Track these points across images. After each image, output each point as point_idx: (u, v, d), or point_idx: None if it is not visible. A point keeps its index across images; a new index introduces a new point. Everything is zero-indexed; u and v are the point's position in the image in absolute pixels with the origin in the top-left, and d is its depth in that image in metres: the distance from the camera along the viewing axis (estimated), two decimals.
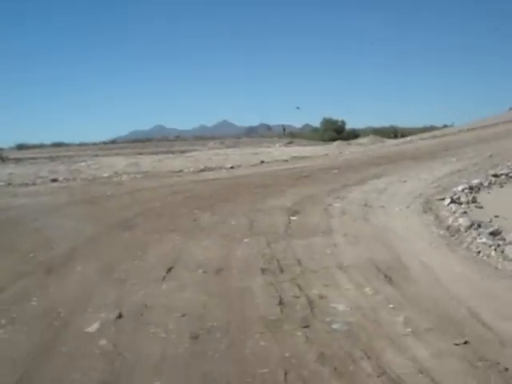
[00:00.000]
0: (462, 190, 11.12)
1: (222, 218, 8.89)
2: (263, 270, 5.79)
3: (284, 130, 62.26)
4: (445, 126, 77.93)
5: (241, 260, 6.26)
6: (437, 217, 8.56)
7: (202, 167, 18.20)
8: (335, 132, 57.38)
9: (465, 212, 8.59)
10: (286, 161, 20.36)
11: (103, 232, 8.08)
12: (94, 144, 56.00)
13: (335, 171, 15.40)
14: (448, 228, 7.69)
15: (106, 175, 16.81)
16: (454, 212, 8.69)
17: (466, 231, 7.39)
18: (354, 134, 59.61)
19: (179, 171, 17.23)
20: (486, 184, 11.88)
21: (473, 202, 9.93)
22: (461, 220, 7.74)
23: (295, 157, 21.41)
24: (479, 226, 7.57)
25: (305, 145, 34.39)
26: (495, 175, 12.78)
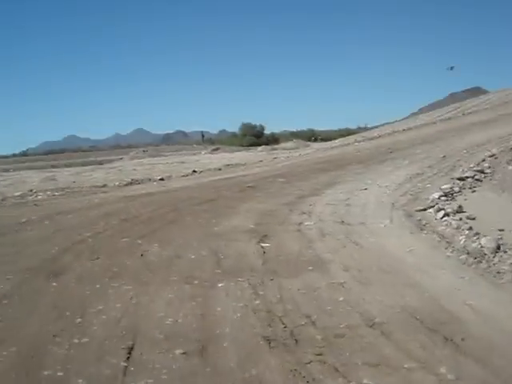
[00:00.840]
0: (439, 198, 9.71)
1: (174, 249, 6.85)
2: (269, 342, 3.86)
3: (203, 136, 60.61)
4: (359, 128, 78.95)
5: (228, 323, 4.27)
6: (441, 236, 6.95)
7: (129, 180, 15.97)
8: (254, 137, 56.35)
9: (470, 228, 7.04)
10: (220, 169, 18.46)
11: (18, 283, 5.69)
12: (3, 157, 51.74)
13: (281, 180, 13.67)
14: (467, 252, 6.07)
15: (18, 194, 14.19)
16: (458, 228, 7.15)
17: (495, 255, 5.81)
18: (274, 138, 58.82)
19: (103, 186, 14.90)
20: (456, 189, 10.52)
21: (460, 212, 8.49)
22: (482, 241, 6.15)
23: (228, 165, 19.54)
24: (504, 247, 6.04)
25: (231, 151, 32.58)
26: (461, 179, 11.47)
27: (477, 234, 6.72)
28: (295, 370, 3.40)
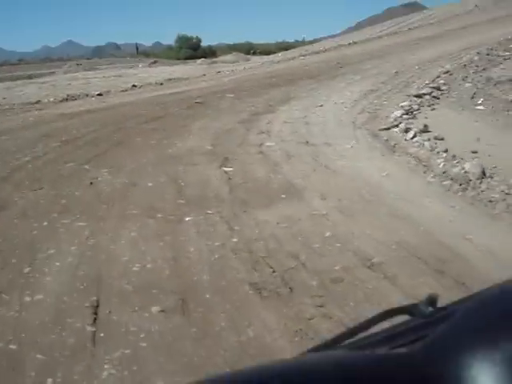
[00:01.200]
0: (401, 116, 9.25)
1: (127, 176, 6.08)
2: (259, 292, 3.27)
3: (137, 48, 57.74)
4: (297, 42, 77.60)
5: (206, 268, 3.64)
6: (416, 158, 6.46)
7: (64, 96, 14.63)
8: (191, 49, 54.18)
9: (446, 150, 6.59)
10: (161, 84, 17.28)
11: None
12: None
13: (231, 95, 12.82)
14: (450, 178, 5.60)
15: None
16: (432, 150, 6.68)
17: (481, 181, 5.37)
18: (211, 51, 56.79)
19: (37, 102, 13.57)
20: (415, 107, 10.08)
21: (426, 132, 8.06)
22: (466, 166, 5.68)
23: (170, 79, 18.33)
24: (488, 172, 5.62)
25: (170, 65, 30.93)
26: (418, 96, 11.01)
27: (454, 156, 6.28)
28: (300, 329, 2.83)
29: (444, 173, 5.79)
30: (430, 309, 0.70)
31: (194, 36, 57.67)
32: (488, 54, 14.83)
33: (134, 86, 16.82)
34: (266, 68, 18.85)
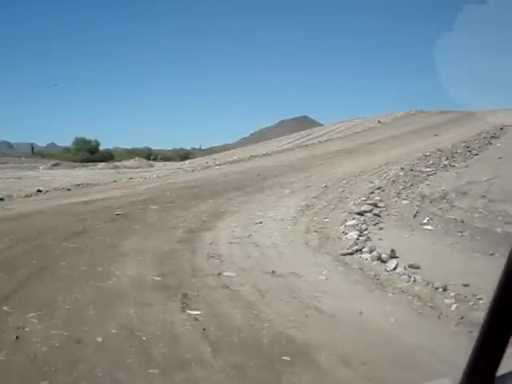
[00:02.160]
0: (358, 238, 8.39)
1: (65, 324, 4.47)
2: None
3: (32, 148, 55.09)
4: (194, 149, 78.02)
5: None
6: (418, 298, 5.41)
7: None
8: (89, 152, 52.55)
9: (445, 288, 5.60)
10: (69, 190, 15.60)
11: None
12: None
13: (154, 207, 11.47)
14: (472, 323, 4.55)
15: None
16: (428, 285, 5.67)
17: None
18: (109, 155, 55.43)
19: None
20: (363, 226, 9.32)
21: (394, 258, 7.21)
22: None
23: (78, 184, 16.68)
24: None
25: (72, 167, 29.10)
26: (359, 213, 10.31)
27: (459, 295, 5.31)
28: None
29: (462, 318, 4.75)
30: None
31: (93, 139, 56.21)
32: (411, 170, 14.68)
33: (39, 190, 15.00)
34: (181, 177, 17.72)
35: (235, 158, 22.83)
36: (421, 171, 14.81)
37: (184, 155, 60.04)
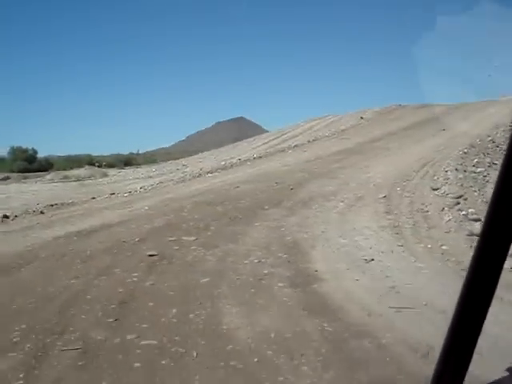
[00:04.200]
0: None
1: None
2: None
3: None
4: (132, 154, 73.34)
5: None
6: None
7: None
8: (26, 162, 47.35)
9: None
10: (42, 213, 11.65)
11: None
12: None
13: (190, 239, 7.96)
14: None
15: None
16: None
17: None
18: (48, 164, 50.31)
19: None
20: None
21: None
22: None
23: (52, 205, 12.67)
24: None
25: (22, 181, 24.51)
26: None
27: None
28: None
29: None
30: None
31: (30, 148, 50.93)
32: (465, 171, 11.81)
33: (5, 216, 11.01)
34: (178, 189, 13.98)
35: (222, 163, 19.27)
36: (474, 171, 11.99)
37: (126, 161, 55.67)
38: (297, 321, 4.49)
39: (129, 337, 4.14)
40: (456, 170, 11.99)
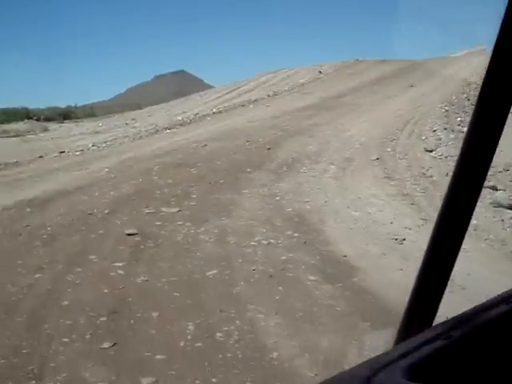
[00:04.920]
0: None
1: None
2: None
3: None
4: (68, 107, 69.56)
5: None
6: None
7: None
8: None
9: None
10: None
11: None
12: None
13: (172, 210, 6.59)
14: None
15: None
16: None
17: None
18: None
19: None
20: None
21: None
22: None
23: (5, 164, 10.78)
24: None
25: None
26: None
27: None
28: None
29: None
30: None
31: None
32: (453, 130, 10.84)
33: None
34: (138, 148, 12.26)
35: (178, 118, 17.54)
36: (461, 131, 11.04)
37: (64, 114, 52.48)
38: (362, 337, 3.28)
39: (144, 382, 2.78)
40: (445, 129, 11.01)
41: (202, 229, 5.76)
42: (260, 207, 6.66)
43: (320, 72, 23.41)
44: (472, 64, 20.35)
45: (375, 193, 7.22)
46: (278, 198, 7.09)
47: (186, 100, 26.55)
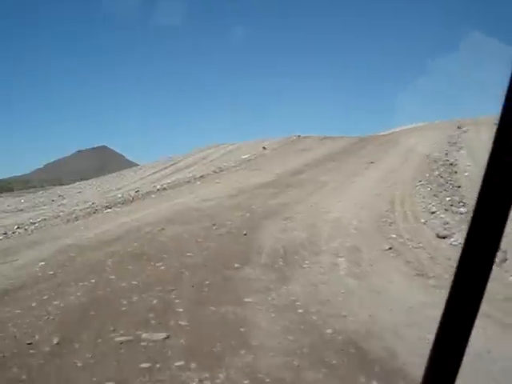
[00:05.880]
0: None
1: None
2: None
3: None
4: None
5: None
6: None
7: None
8: None
9: None
10: None
11: None
12: None
13: (160, 336, 4.33)
14: None
15: None
16: None
17: None
18: None
19: None
20: None
21: None
22: None
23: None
24: None
25: None
26: None
27: None
28: None
29: None
30: None
31: None
32: (446, 210, 9.33)
33: None
34: (78, 230, 9.84)
35: (117, 195, 15.22)
36: (460, 212, 9.56)
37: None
38: None
39: None
40: (446, 210, 9.49)
41: (218, 381, 3.55)
42: (284, 329, 4.55)
43: (264, 148, 21.96)
44: (426, 138, 19.56)
45: (425, 300, 5.33)
46: (300, 310, 5.02)
47: (119, 175, 24.14)
